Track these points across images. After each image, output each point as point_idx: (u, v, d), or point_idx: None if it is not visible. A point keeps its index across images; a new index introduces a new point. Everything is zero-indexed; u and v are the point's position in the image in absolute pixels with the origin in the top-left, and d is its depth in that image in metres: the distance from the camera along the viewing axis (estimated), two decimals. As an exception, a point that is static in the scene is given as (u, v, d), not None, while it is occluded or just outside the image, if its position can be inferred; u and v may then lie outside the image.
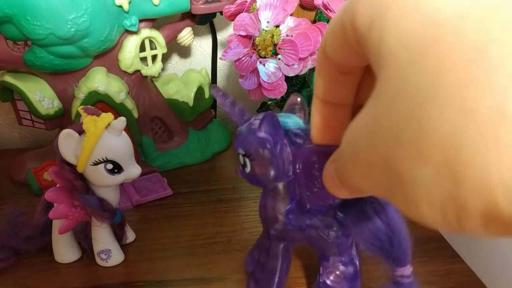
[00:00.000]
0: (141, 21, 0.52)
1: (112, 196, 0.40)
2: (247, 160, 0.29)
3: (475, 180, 0.12)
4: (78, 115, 0.39)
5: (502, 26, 0.11)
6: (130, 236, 0.46)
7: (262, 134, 0.28)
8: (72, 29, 0.45)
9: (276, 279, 0.35)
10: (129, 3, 0.49)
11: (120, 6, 0.49)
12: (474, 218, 0.12)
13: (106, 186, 0.39)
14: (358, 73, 0.19)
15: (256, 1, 0.44)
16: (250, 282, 0.37)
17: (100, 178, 0.38)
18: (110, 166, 0.37)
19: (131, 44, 0.53)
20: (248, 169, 0.29)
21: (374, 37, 0.14)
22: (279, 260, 0.35)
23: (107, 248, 0.42)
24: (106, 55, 0.52)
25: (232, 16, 0.47)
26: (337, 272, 0.33)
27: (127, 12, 0.50)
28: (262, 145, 0.28)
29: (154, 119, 0.59)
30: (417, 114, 0.13)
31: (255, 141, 0.28)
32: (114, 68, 0.53)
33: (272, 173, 0.29)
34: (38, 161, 0.55)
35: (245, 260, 0.39)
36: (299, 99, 0.31)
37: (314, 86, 0.20)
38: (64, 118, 0.55)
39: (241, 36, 0.43)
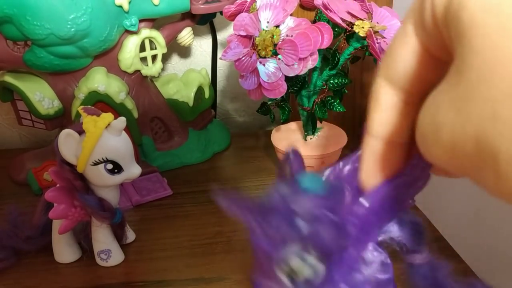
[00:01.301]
0: (141, 21, 0.52)
1: (112, 196, 0.40)
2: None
3: None
4: (78, 115, 0.40)
5: None
6: (130, 236, 0.46)
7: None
8: (72, 29, 0.45)
9: None
10: (129, 3, 0.49)
11: (120, 6, 0.49)
12: None
13: (106, 186, 0.39)
14: (421, 102, 0.17)
15: (256, 1, 0.44)
16: None
17: (100, 178, 0.38)
18: (110, 166, 0.37)
19: (131, 44, 0.53)
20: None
21: (454, 8, 0.13)
22: None
23: (107, 248, 0.42)
24: (106, 55, 0.52)
25: (232, 16, 0.47)
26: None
27: (127, 12, 0.50)
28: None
29: (154, 119, 0.59)
30: None
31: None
32: (114, 68, 0.53)
33: None
34: (38, 161, 0.55)
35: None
36: (292, 153, 0.25)
37: (369, 123, 0.18)
38: (64, 118, 0.55)
39: (241, 36, 0.43)
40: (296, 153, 0.22)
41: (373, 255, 0.25)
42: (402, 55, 0.16)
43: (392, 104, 0.18)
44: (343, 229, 0.21)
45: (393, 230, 0.26)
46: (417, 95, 0.17)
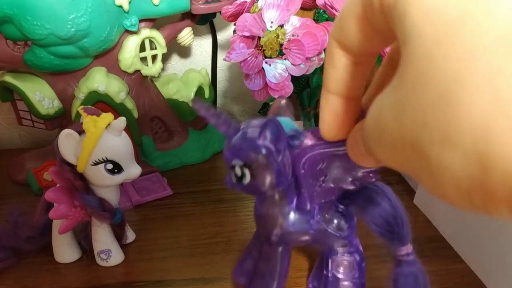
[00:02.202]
0: (141, 21, 0.52)
1: (112, 196, 0.40)
2: (246, 171, 0.28)
3: (504, 171, 0.11)
4: (78, 115, 0.40)
5: None
6: (130, 236, 0.46)
7: (263, 141, 0.27)
8: (72, 29, 0.45)
9: (276, 282, 0.35)
10: (129, 3, 0.49)
11: (120, 6, 0.49)
12: (501, 204, 0.12)
13: (106, 186, 0.39)
14: (371, 62, 0.19)
15: (256, 2, 0.44)
16: None
17: (100, 178, 0.38)
18: (110, 166, 0.37)
19: (131, 44, 0.53)
20: (247, 180, 0.28)
21: (398, 10, 0.14)
22: (278, 262, 0.34)
23: (107, 248, 0.42)
24: (106, 55, 0.52)
25: (231, 17, 0.47)
26: (345, 263, 0.34)
27: (127, 12, 0.50)
28: (265, 153, 0.27)
29: (154, 119, 0.59)
30: (446, 98, 0.12)
31: (255, 150, 0.27)
32: (114, 68, 0.53)
33: (274, 180, 0.28)
34: (38, 161, 0.55)
35: (233, 273, 0.38)
36: (283, 102, 0.31)
37: (324, 80, 0.20)
38: (64, 118, 0.55)
39: (244, 36, 0.43)
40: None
41: (335, 215, 0.32)
42: (350, 24, 0.17)
43: (343, 63, 0.19)
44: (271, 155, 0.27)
45: (366, 219, 0.31)
46: (364, 57, 0.18)
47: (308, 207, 0.31)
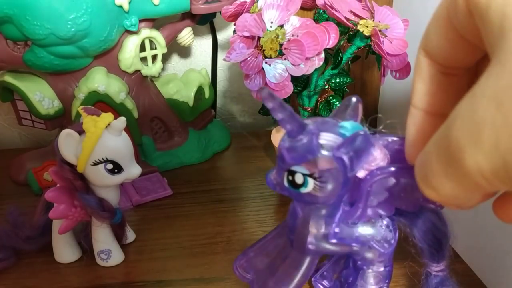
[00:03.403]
0: (141, 21, 0.52)
1: (112, 196, 0.40)
2: (311, 181, 0.25)
3: None
4: (78, 115, 0.40)
5: None
6: (130, 236, 0.46)
7: (344, 155, 0.24)
8: (72, 29, 0.45)
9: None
10: (129, 3, 0.49)
11: (120, 6, 0.49)
12: None
13: (106, 186, 0.39)
14: (462, 75, 0.18)
15: (256, 2, 0.44)
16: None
17: (100, 178, 0.38)
18: (110, 166, 0.37)
19: (131, 44, 0.53)
20: (307, 190, 0.25)
21: (497, 4, 0.13)
22: (306, 271, 0.31)
23: (107, 248, 0.42)
24: (106, 55, 0.52)
25: (231, 17, 0.47)
26: (379, 275, 0.32)
27: (127, 12, 0.50)
28: (342, 168, 0.24)
29: (154, 119, 0.59)
30: None
31: (333, 163, 0.24)
32: (114, 68, 0.53)
33: (337, 194, 0.26)
34: (38, 161, 0.55)
35: (237, 265, 0.35)
36: (354, 100, 0.27)
37: (412, 94, 0.18)
38: (64, 118, 0.55)
39: (244, 37, 0.43)
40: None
41: (381, 223, 0.30)
42: (435, 29, 0.16)
43: (431, 74, 0.17)
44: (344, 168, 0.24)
45: (416, 234, 0.29)
46: (453, 69, 0.17)
47: (356, 220, 0.29)
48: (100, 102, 0.52)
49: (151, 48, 0.55)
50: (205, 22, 0.62)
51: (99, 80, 0.51)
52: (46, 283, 0.41)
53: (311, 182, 0.25)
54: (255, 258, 0.35)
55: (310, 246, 0.30)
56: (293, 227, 0.30)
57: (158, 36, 0.55)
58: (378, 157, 0.26)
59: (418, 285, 0.34)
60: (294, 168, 0.25)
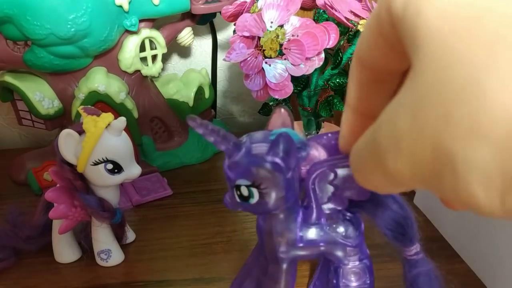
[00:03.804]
0: (141, 21, 0.52)
1: (112, 196, 0.40)
2: (255, 190, 0.26)
3: None
4: (78, 115, 0.40)
5: None
6: (130, 236, 0.46)
7: (272, 158, 0.25)
8: (72, 29, 0.45)
9: None
10: (129, 3, 0.49)
11: (120, 6, 0.49)
12: None
13: (106, 186, 0.39)
14: (393, 81, 0.18)
15: (256, 2, 0.44)
16: None
17: (100, 178, 0.38)
18: (110, 166, 0.37)
19: (131, 44, 0.53)
20: (255, 200, 0.27)
21: (410, 14, 0.14)
22: (286, 280, 0.32)
23: (107, 248, 0.42)
24: (106, 55, 0.52)
25: (231, 17, 0.47)
26: (357, 271, 0.33)
27: (127, 12, 0.50)
28: (275, 171, 0.25)
29: (154, 119, 0.59)
30: (472, 88, 0.12)
31: (265, 167, 0.25)
32: (114, 68, 0.53)
33: (284, 198, 0.27)
34: (38, 161, 0.55)
35: None
36: (283, 111, 0.29)
37: (347, 95, 0.20)
38: (64, 118, 0.55)
39: (244, 37, 0.43)
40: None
41: (342, 218, 0.31)
42: (367, 38, 0.17)
43: (363, 80, 0.18)
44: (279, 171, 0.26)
45: (378, 223, 0.30)
46: (384, 75, 0.18)
47: (315, 220, 0.30)
48: (100, 102, 0.52)
49: (151, 48, 0.55)
50: (205, 22, 0.62)
51: (99, 80, 0.51)
52: (46, 283, 0.41)
53: (255, 192, 0.26)
54: (244, 282, 0.36)
55: (281, 255, 0.31)
56: (262, 241, 0.31)
57: (158, 36, 0.55)
58: (317, 155, 0.28)
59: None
60: (238, 182, 0.26)
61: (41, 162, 0.55)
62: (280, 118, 0.29)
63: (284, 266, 0.32)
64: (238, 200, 0.27)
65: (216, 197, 0.53)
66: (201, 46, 0.69)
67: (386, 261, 0.42)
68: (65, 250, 0.43)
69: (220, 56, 0.69)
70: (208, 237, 0.47)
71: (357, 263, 0.33)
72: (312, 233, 0.30)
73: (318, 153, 0.28)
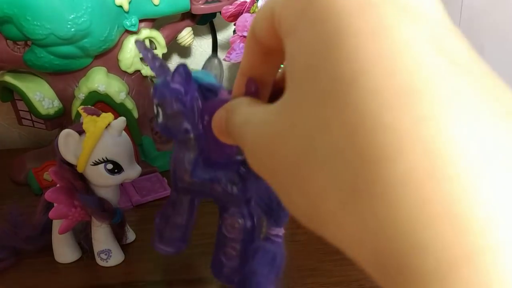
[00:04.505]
0: (141, 21, 0.52)
1: (112, 196, 0.41)
2: (160, 110, 0.30)
3: None
4: (78, 115, 0.40)
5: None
6: (130, 236, 0.46)
7: (175, 85, 0.29)
8: (72, 29, 0.45)
9: (181, 233, 0.37)
10: (129, 3, 0.49)
11: (120, 6, 0.49)
12: None
13: (106, 186, 0.39)
14: (280, 56, 0.20)
15: (256, 2, 0.44)
16: (155, 237, 0.38)
17: (100, 178, 0.38)
18: (110, 166, 0.37)
19: (131, 44, 0.53)
20: (160, 119, 0.30)
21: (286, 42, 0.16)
22: (184, 213, 0.36)
23: (107, 248, 0.42)
24: (106, 55, 0.52)
25: (231, 17, 0.47)
26: (236, 225, 0.35)
27: (127, 12, 0.50)
28: (174, 95, 0.29)
29: (154, 119, 0.59)
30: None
31: (168, 91, 0.29)
32: (114, 68, 0.53)
33: (182, 124, 0.30)
34: (38, 161, 0.55)
35: (156, 245, 0.38)
36: (216, 61, 0.33)
37: (241, 62, 0.22)
38: (64, 118, 0.55)
39: (244, 36, 0.43)
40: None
41: (233, 175, 0.33)
42: (261, 20, 0.19)
43: (254, 50, 0.21)
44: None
45: (254, 198, 0.33)
46: (273, 50, 0.20)
47: (212, 161, 0.32)
48: (100, 102, 0.52)
49: (151, 48, 0.55)
50: (205, 22, 0.62)
51: (99, 80, 0.51)
52: (46, 283, 0.41)
53: (160, 112, 0.30)
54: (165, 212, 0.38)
55: (179, 184, 0.34)
56: (170, 166, 0.35)
57: (158, 36, 0.55)
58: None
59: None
60: (153, 101, 0.30)
61: (41, 162, 0.55)
62: (209, 63, 0.33)
63: (184, 198, 0.35)
64: (156, 119, 0.31)
65: (216, 197, 0.53)
66: (201, 46, 0.69)
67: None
68: (65, 250, 0.43)
69: (220, 56, 0.69)
70: (208, 237, 0.47)
71: (237, 216, 0.35)
72: (205, 171, 0.33)
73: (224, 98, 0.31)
